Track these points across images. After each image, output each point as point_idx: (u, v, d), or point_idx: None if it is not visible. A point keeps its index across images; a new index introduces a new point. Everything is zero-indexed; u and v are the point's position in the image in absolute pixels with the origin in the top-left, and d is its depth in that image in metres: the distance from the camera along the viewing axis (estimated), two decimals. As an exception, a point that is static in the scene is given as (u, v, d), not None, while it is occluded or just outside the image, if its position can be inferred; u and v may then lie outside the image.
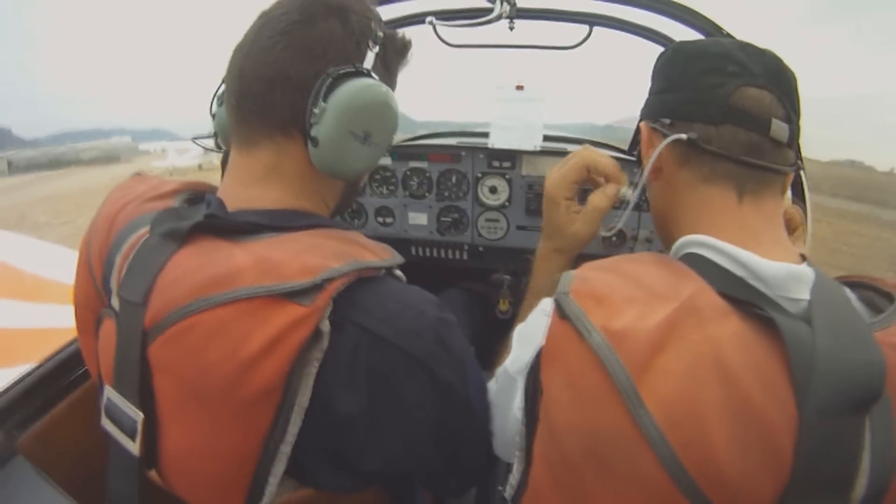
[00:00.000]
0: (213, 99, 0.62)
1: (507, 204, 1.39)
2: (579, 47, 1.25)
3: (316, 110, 0.49)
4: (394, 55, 0.58)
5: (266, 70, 0.50)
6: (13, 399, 0.69)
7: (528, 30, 1.22)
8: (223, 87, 0.59)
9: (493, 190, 1.39)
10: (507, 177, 1.37)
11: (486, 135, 1.36)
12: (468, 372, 0.52)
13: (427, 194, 1.42)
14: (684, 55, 0.53)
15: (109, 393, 0.48)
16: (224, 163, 0.65)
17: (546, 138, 1.37)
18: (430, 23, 1.13)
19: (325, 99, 0.49)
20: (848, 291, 0.45)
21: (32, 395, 0.72)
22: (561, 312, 0.39)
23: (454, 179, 1.40)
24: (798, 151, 0.54)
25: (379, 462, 0.50)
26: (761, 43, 0.52)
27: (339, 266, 0.45)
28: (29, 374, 0.73)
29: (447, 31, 1.22)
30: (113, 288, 0.50)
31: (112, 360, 0.47)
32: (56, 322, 1.72)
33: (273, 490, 0.46)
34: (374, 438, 0.48)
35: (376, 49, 0.53)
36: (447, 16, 1.16)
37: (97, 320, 0.52)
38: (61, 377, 0.76)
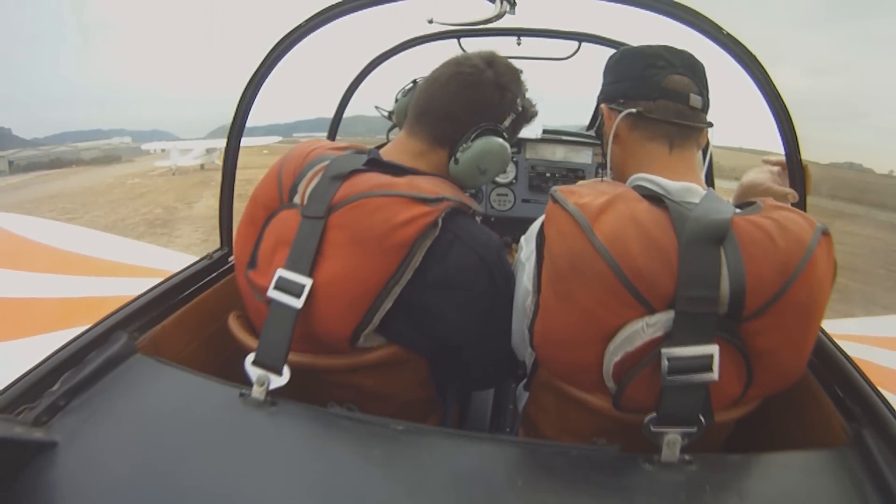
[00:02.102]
0: (399, 91, 0.98)
1: (514, 181, 1.73)
2: (570, 59, 1.57)
3: (465, 145, 0.81)
4: (523, 120, 0.91)
5: (447, 106, 0.83)
6: (134, 310, 0.87)
7: (530, 44, 1.54)
8: (410, 85, 0.97)
9: None
10: (514, 159, 1.71)
11: None
12: (511, 285, 0.81)
13: None
14: (628, 56, 0.80)
15: (281, 272, 0.71)
16: (389, 134, 1.01)
17: (545, 130, 1.72)
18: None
19: (473, 140, 0.81)
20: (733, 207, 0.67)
21: (148, 308, 0.90)
22: (553, 199, 0.68)
23: None
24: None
25: (444, 329, 0.76)
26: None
27: (451, 196, 0.75)
28: (146, 292, 0.92)
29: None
30: (299, 190, 0.76)
31: (289, 236, 0.72)
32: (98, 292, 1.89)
33: (377, 322, 0.71)
34: (445, 311, 0.75)
35: (513, 116, 0.86)
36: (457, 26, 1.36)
37: (270, 214, 0.79)
38: (171, 297, 0.96)
